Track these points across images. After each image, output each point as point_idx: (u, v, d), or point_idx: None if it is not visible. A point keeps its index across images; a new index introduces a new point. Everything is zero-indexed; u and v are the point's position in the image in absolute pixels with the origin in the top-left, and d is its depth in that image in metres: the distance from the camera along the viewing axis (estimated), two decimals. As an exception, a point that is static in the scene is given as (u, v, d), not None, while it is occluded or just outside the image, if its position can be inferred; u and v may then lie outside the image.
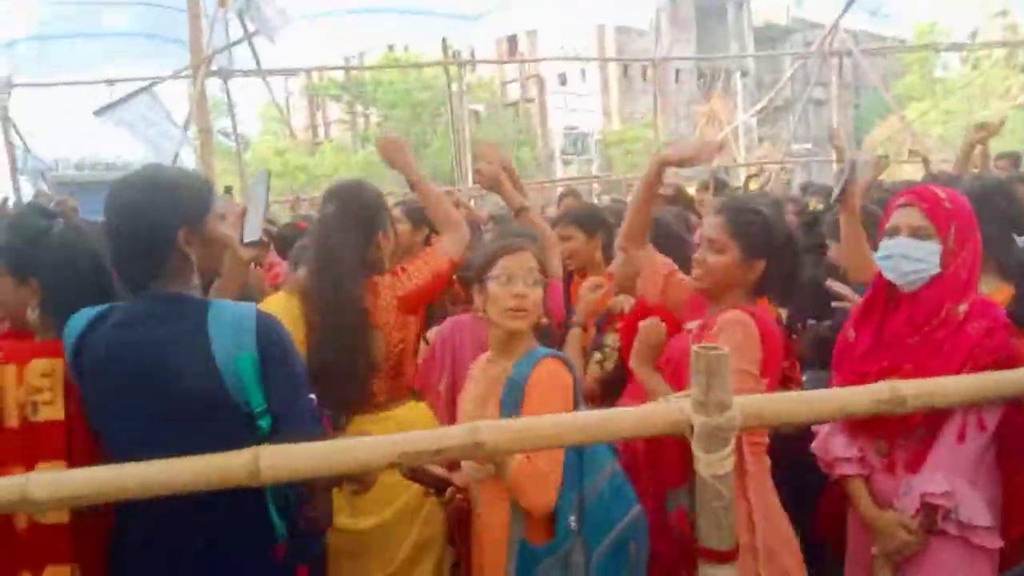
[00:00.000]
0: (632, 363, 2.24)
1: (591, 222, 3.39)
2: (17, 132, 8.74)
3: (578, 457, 1.90)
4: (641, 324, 2.27)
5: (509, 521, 1.92)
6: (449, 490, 2.01)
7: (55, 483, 1.48)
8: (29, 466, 1.64)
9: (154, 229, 1.60)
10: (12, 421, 1.62)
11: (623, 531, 1.87)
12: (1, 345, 1.70)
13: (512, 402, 1.96)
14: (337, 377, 2.20)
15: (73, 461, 1.67)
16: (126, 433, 1.60)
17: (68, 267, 1.78)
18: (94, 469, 1.51)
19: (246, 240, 2.01)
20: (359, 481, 1.81)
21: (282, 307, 2.22)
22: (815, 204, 4.83)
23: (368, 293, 2.37)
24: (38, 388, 1.66)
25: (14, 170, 8.57)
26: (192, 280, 1.67)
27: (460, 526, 2.23)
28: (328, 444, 1.56)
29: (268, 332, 1.59)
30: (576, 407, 1.98)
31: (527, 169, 20.54)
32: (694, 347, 1.40)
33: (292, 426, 1.56)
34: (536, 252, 2.07)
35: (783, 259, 2.24)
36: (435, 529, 2.37)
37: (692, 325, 2.33)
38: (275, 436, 1.56)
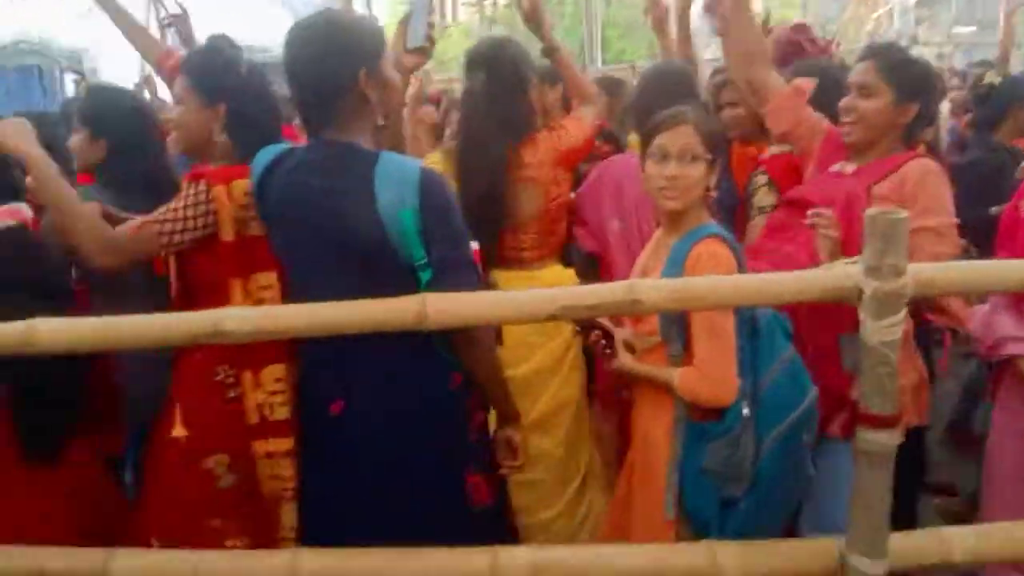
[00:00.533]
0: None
1: None
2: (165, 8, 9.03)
3: (752, 347, 1.87)
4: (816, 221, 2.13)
5: (673, 403, 1.92)
6: (594, 334, 2.01)
7: (245, 318, 1.62)
8: (246, 276, 1.80)
9: (336, 70, 1.65)
10: (229, 236, 1.77)
11: (797, 419, 1.83)
12: (204, 171, 1.83)
13: (672, 275, 1.94)
14: (481, 235, 2.25)
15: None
16: (301, 270, 1.72)
17: (253, 96, 1.90)
18: (279, 308, 1.65)
19: (410, 46, 2.03)
20: (513, 452, 1.86)
21: (440, 164, 2.28)
22: (992, 77, 4.40)
23: (526, 148, 2.39)
24: (244, 206, 1.80)
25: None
26: (366, 127, 1.72)
27: (622, 420, 2.29)
28: (491, 293, 1.63)
29: (431, 187, 1.63)
30: None
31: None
32: (869, 211, 1.34)
33: (450, 277, 1.62)
34: (698, 124, 1.97)
35: (931, 103, 2.10)
36: (573, 390, 2.42)
37: (843, 167, 2.22)
38: (433, 286, 1.62)
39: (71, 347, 1.60)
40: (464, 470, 1.73)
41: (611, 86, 3.96)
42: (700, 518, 1.89)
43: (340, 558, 1.64)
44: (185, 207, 1.81)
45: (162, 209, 1.82)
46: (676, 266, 1.92)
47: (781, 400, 1.84)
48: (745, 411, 1.83)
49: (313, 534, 1.77)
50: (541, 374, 2.37)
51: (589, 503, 2.49)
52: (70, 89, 14.48)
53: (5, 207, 1.91)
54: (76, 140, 2.32)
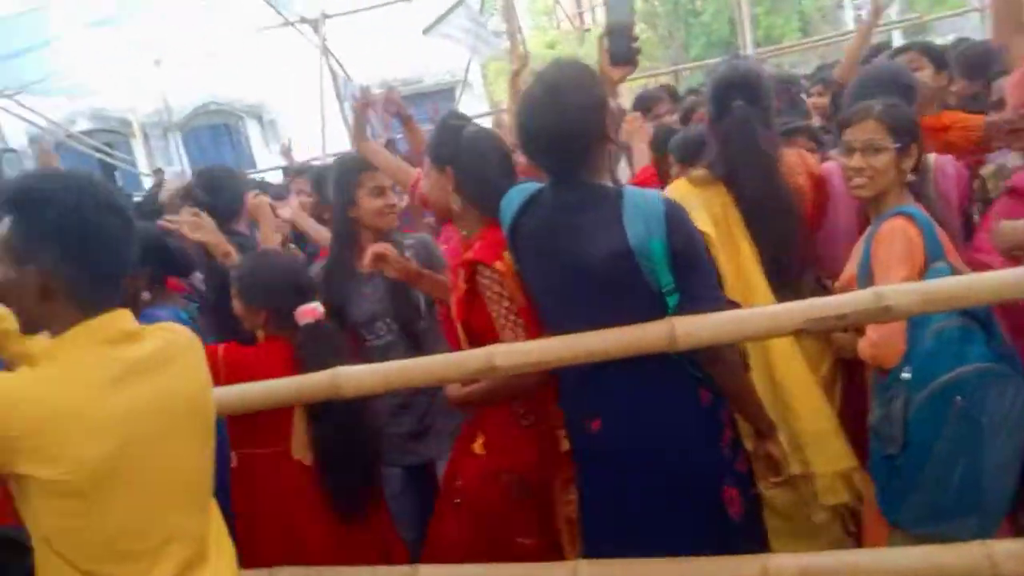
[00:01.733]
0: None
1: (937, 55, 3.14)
2: (337, 61, 9.70)
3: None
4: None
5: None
6: None
7: (513, 353, 1.81)
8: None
9: (588, 123, 1.76)
10: (523, 302, 1.92)
11: (945, 385, 1.82)
12: (474, 256, 1.97)
13: (864, 261, 2.01)
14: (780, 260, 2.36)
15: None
16: (554, 303, 1.86)
17: (477, 157, 2.05)
18: (543, 341, 1.82)
19: (615, 60, 2.10)
20: (776, 469, 1.93)
21: (682, 194, 2.34)
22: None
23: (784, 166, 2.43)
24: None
25: (339, 98, 9.53)
26: (605, 163, 1.86)
27: None
28: (736, 312, 1.72)
29: (675, 217, 1.74)
30: (932, 262, 1.94)
31: (812, 22, 18.66)
32: None
33: (698, 301, 1.72)
34: (882, 116, 2.02)
35: None
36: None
37: None
38: (682, 309, 1.73)
39: (373, 389, 1.85)
40: (720, 484, 1.82)
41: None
42: (878, 472, 1.96)
43: (619, 569, 1.79)
44: (499, 301, 1.95)
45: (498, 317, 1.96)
46: (867, 248, 2.00)
47: (929, 366, 1.85)
48: (904, 374, 1.87)
49: (589, 544, 1.92)
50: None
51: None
52: (256, 144, 15.95)
53: (309, 307, 2.19)
54: None
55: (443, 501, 2.15)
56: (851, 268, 2.12)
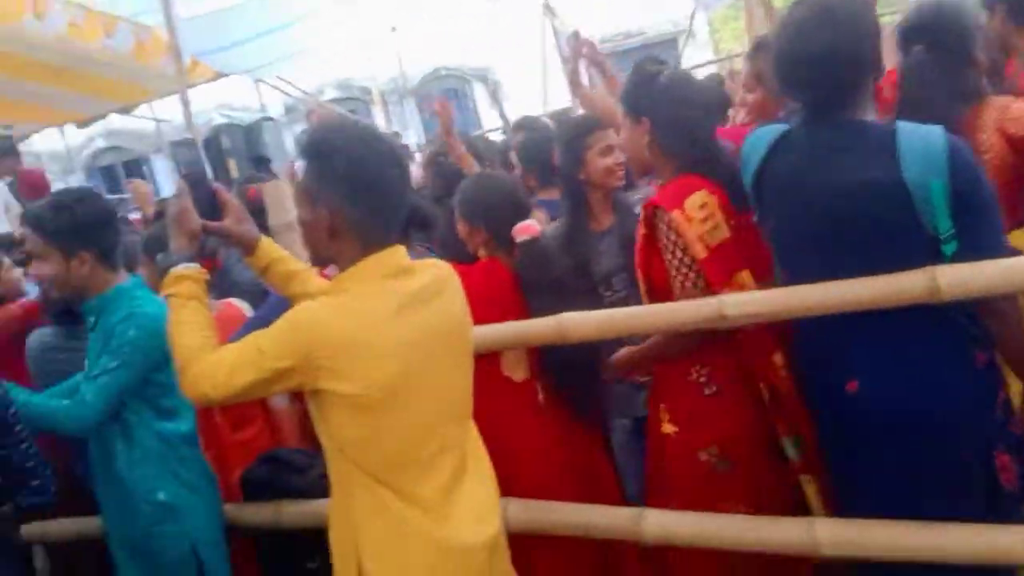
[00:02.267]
0: None
1: None
2: (559, 18, 9.72)
3: None
4: None
5: None
6: None
7: (743, 303, 1.74)
8: (727, 282, 1.84)
9: (861, 53, 1.62)
10: (701, 253, 1.84)
11: None
12: (658, 198, 1.92)
13: None
14: None
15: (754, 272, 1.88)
16: (802, 252, 1.71)
17: (675, 105, 1.94)
18: (775, 291, 1.74)
19: None
20: None
21: None
22: None
23: (976, 115, 2.13)
24: (703, 219, 1.85)
25: (562, 57, 9.57)
26: (871, 100, 1.69)
27: None
28: (1008, 260, 1.52)
29: (960, 156, 1.56)
30: None
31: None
32: None
33: (982, 251, 1.53)
34: None
35: None
36: None
37: None
38: (961, 257, 1.54)
39: (596, 334, 1.87)
40: (992, 449, 1.64)
41: None
42: None
43: (858, 529, 1.68)
44: (673, 250, 1.87)
45: (670, 266, 1.90)
46: None
47: None
48: None
49: (840, 509, 1.81)
50: None
51: None
52: (482, 107, 16.53)
53: (525, 224, 2.18)
54: None
55: (649, 489, 2.11)
56: None
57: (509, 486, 2.04)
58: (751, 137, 1.80)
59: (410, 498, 1.45)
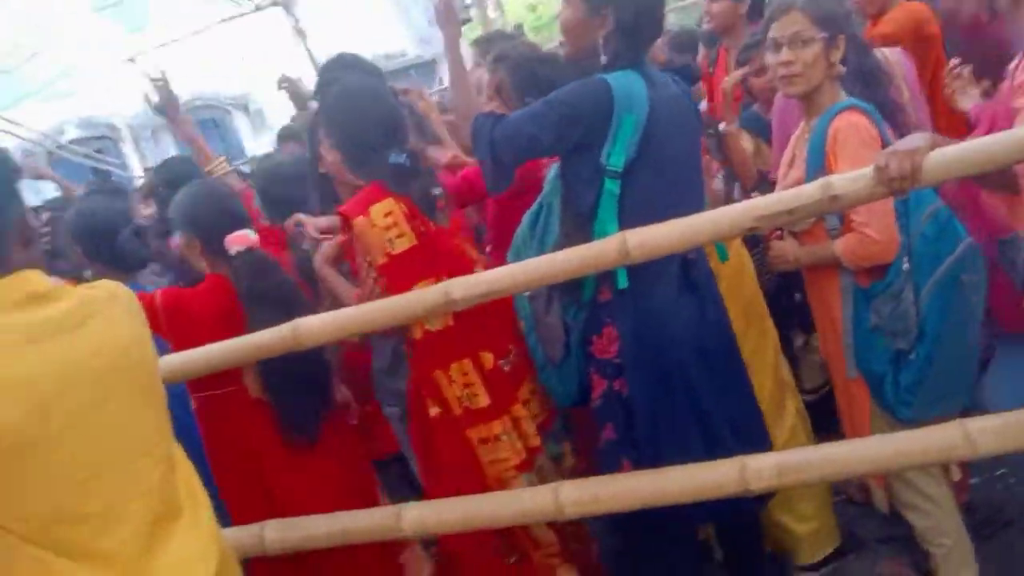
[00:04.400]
0: None
1: None
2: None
3: (903, 202, 1.86)
4: None
5: (839, 274, 1.98)
6: None
7: (470, 285, 1.80)
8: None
9: None
10: (379, 259, 1.91)
11: (952, 266, 1.83)
12: (349, 202, 1.96)
13: (815, 160, 1.94)
14: None
15: None
16: (671, 189, 1.87)
17: (346, 120, 2.03)
18: (500, 269, 1.82)
19: None
20: None
21: None
22: None
23: None
24: (385, 227, 1.93)
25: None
26: None
27: None
28: (683, 220, 1.66)
29: None
30: None
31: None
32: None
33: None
34: (807, 8, 1.94)
35: None
36: (763, 312, 2.41)
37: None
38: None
39: (333, 337, 1.85)
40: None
41: None
42: (874, 375, 1.95)
43: (594, 486, 1.80)
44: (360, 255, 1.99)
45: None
46: (818, 147, 1.93)
47: (931, 250, 1.85)
48: (905, 265, 1.85)
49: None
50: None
51: (794, 411, 2.45)
52: (245, 135, 15.87)
53: (238, 234, 2.10)
54: None
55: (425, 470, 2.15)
56: (796, 173, 2.05)
57: (270, 510, 2.01)
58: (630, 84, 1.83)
59: (88, 556, 1.20)
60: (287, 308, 1.95)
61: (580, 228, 1.85)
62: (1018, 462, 2.55)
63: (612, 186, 1.80)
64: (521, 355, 2.05)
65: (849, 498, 2.65)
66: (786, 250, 2.10)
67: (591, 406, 1.94)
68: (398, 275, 1.90)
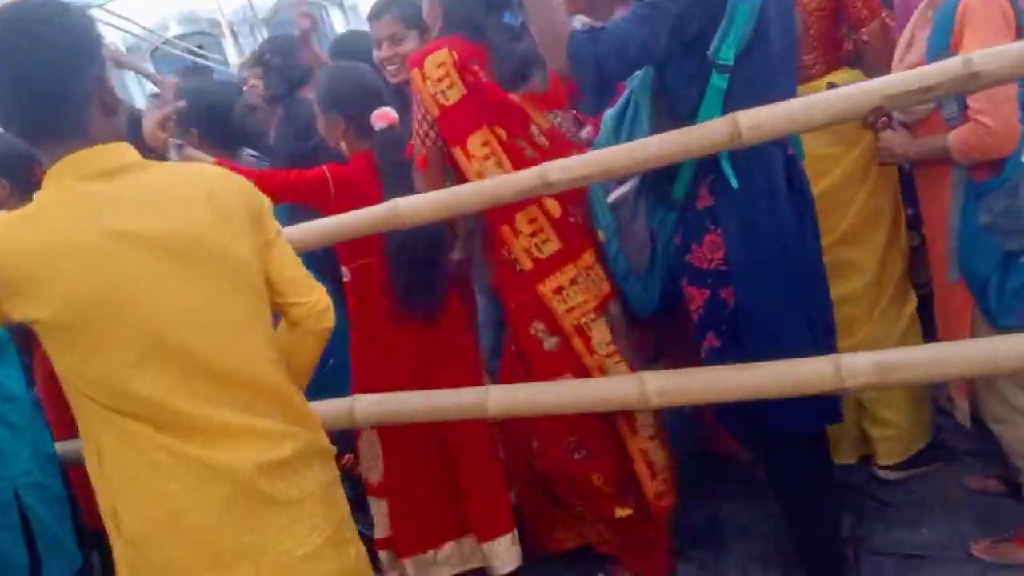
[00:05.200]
0: None
1: None
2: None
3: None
4: None
5: (952, 168, 1.85)
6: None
7: (567, 168, 1.74)
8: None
9: None
10: (433, 111, 1.98)
11: None
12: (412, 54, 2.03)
13: (941, 35, 1.78)
14: None
15: None
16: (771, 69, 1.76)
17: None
18: (593, 154, 1.76)
19: None
20: None
21: None
22: None
23: None
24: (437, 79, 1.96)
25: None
26: None
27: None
28: (803, 100, 1.58)
29: None
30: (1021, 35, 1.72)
31: None
32: None
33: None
34: None
35: None
36: (884, 199, 2.26)
37: None
38: None
39: (432, 216, 1.84)
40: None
41: None
42: (979, 279, 1.82)
43: (682, 378, 1.77)
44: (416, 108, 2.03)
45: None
46: (943, 25, 1.77)
47: None
48: None
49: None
50: (847, 185, 2.22)
51: (909, 316, 2.36)
52: (340, 27, 15.86)
53: (382, 111, 2.14)
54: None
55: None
56: (913, 56, 1.90)
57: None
58: None
59: (165, 426, 1.19)
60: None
61: (681, 123, 1.74)
62: None
63: (719, 81, 1.69)
64: (587, 220, 2.03)
65: (941, 409, 2.56)
66: (895, 141, 1.97)
67: (692, 316, 1.87)
68: (451, 126, 1.93)
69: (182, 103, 2.14)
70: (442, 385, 2.07)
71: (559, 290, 1.98)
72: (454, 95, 1.94)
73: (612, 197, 1.86)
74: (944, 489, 2.31)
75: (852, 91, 1.52)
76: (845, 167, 2.20)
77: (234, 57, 13.44)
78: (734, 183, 1.73)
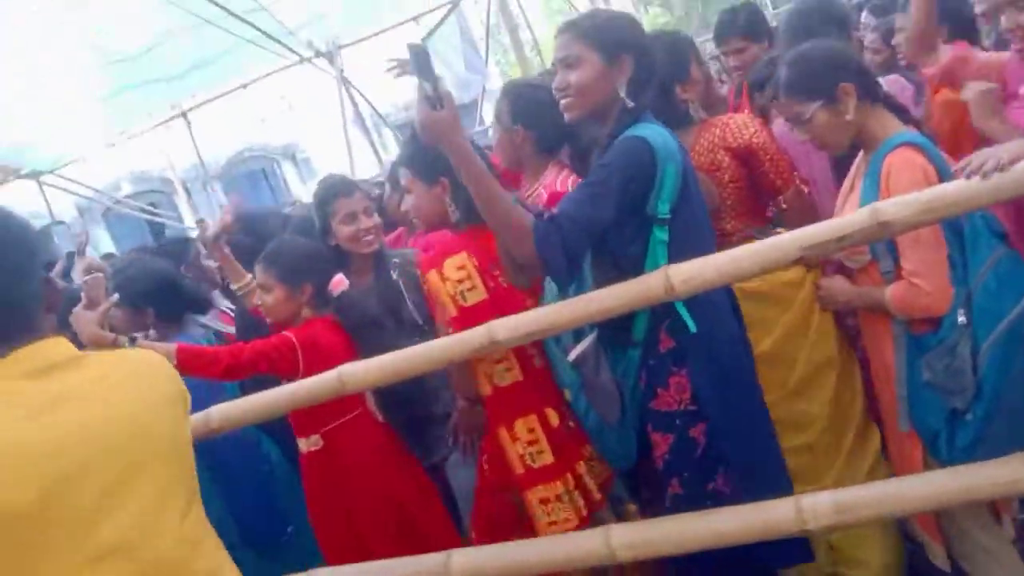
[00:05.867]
0: (976, 121, 2.07)
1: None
2: (356, 90, 9.80)
3: (961, 254, 1.77)
4: (971, 86, 2.09)
5: (892, 320, 1.90)
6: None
7: (514, 327, 1.78)
8: None
9: None
10: (452, 311, 1.97)
11: (1015, 320, 1.68)
12: (425, 257, 2.09)
13: (872, 190, 1.87)
14: None
15: None
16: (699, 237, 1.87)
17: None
18: (542, 309, 1.80)
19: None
20: None
21: None
22: None
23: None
24: (457, 280, 1.96)
25: (363, 127, 9.61)
26: None
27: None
28: (728, 253, 1.66)
29: None
30: None
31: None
32: None
33: None
34: None
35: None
36: (828, 350, 2.30)
37: None
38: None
39: (378, 382, 1.86)
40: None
41: None
42: (929, 431, 1.84)
43: (646, 528, 1.75)
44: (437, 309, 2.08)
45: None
46: (873, 181, 1.87)
47: (994, 303, 1.71)
48: (961, 319, 1.74)
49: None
50: (788, 342, 2.25)
51: (874, 453, 2.39)
52: (293, 184, 16.26)
53: (337, 278, 2.37)
54: None
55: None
56: (850, 209, 1.97)
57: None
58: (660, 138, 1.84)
59: None
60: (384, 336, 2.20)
61: (623, 279, 1.80)
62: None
63: (661, 233, 1.79)
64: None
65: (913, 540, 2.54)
66: (835, 288, 2.04)
67: (657, 463, 1.87)
68: (467, 327, 1.89)
69: (115, 297, 2.09)
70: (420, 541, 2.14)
71: (545, 501, 1.94)
72: (474, 298, 1.97)
73: (573, 355, 1.86)
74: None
75: (774, 242, 1.60)
76: (785, 326, 2.23)
77: (188, 213, 13.60)
78: (692, 327, 1.78)
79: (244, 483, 2.49)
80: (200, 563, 1.24)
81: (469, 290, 1.96)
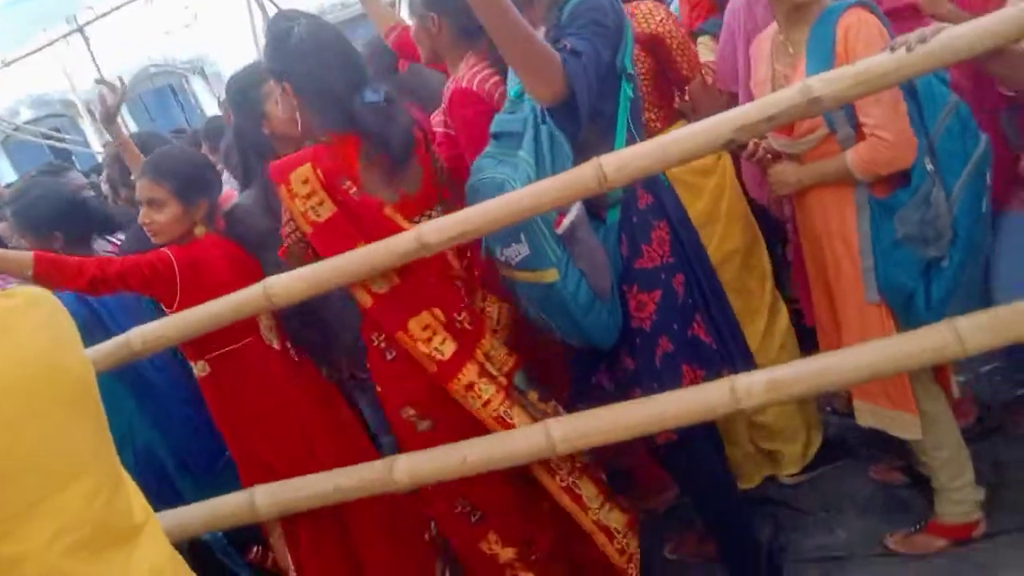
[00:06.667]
0: (927, 8, 2.00)
1: None
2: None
3: (915, 104, 1.79)
4: None
5: (853, 189, 1.89)
6: (752, 143, 2.04)
7: (442, 228, 1.73)
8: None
9: None
10: (305, 228, 1.83)
11: (978, 161, 1.77)
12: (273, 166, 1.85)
13: (821, 60, 1.82)
14: None
15: None
16: None
17: (313, 63, 1.80)
18: (468, 210, 1.74)
19: None
20: None
21: None
22: None
23: None
24: (305, 196, 1.80)
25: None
26: None
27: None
28: (657, 140, 1.62)
29: None
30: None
31: None
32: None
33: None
34: None
35: None
36: (735, 242, 2.37)
37: None
38: None
39: (304, 294, 1.79)
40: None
41: None
42: (901, 294, 1.87)
43: (586, 420, 1.76)
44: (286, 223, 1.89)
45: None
46: (823, 50, 1.82)
47: (958, 145, 1.77)
48: (929, 166, 1.77)
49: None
50: (699, 229, 2.13)
51: (783, 330, 2.45)
52: (205, 100, 15.45)
53: (227, 191, 2.24)
54: None
55: None
56: (767, 88, 1.98)
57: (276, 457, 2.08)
58: None
59: None
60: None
61: (602, 137, 1.78)
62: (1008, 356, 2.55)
63: (628, 89, 1.81)
64: (475, 317, 1.95)
65: (835, 410, 2.65)
66: (787, 172, 2.01)
67: (644, 327, 1.85)
68: (325, 243, 1.81)
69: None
70: (332, 457, 2.05)
71: (470, 387, 1.87)
72: (325, 212, 1.81)
73: (563, 227, 1.78)
74: (852, 488, 2.38)
75: (704, 126, 1.56)
76: (695, 213, 2.16)
77: (94, 137, 12.86)
78: (666, 182, 1.93)
79: (174, 409, 2.40)
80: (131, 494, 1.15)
81: (319, 204, 1.81)
